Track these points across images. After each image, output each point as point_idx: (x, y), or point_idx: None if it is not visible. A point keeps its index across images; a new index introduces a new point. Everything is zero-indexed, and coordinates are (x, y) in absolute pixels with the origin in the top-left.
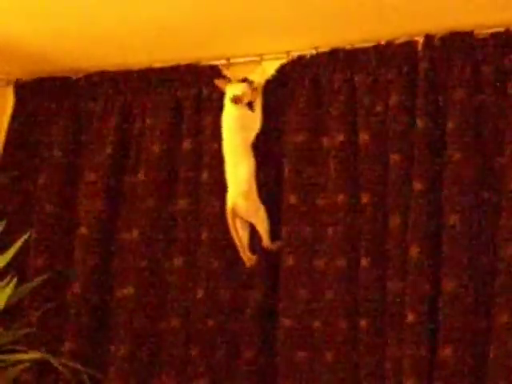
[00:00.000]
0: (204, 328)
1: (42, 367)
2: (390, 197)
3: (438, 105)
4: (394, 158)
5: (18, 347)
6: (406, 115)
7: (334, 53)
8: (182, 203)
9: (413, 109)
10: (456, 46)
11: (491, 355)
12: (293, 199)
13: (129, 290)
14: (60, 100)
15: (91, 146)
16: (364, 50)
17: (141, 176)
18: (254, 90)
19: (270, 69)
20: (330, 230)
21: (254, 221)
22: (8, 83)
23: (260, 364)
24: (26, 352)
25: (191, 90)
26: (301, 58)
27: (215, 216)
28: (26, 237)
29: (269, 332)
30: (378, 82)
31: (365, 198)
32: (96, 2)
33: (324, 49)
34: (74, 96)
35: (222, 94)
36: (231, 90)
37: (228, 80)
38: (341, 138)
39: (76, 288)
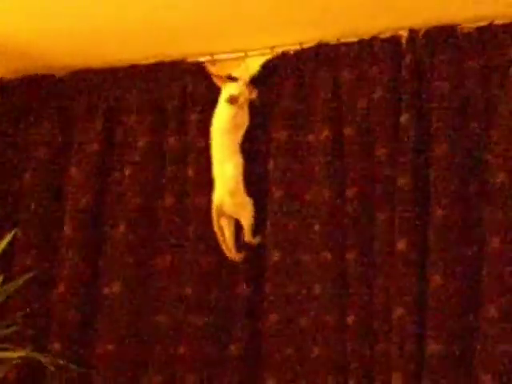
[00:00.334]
0: (191, 325)
1: (29, 366)
2: (376, 191)
3: (422, 99)
4: (380, 152)
5: (4, 345)
6: (390, 110)
7: (318, 48)
8: (169, 200)
9: (398, 103)
10: (440, 41)
11: (478, 348)
12: (278, 194)
13: (115, 288)
14: (45, 98)
15: (77, 144)
16: (348, 45)
17: (127, 173)
18: (250, 89)
19: (254, 65)
20: (316, 225)
21: (240, 217)
22: None
23: (247, 360)
24: (13, 350)
25: (176, 87)
26: (285, 53)
27: (201, 213)
28: (11, 235)
29: (256, 328)
30: (362, 77)
31: (350, 193)
32: (78, 2)
33: (308, 44)
34: (58, 94)
35: (207, 91)
36: (228, 90)
37: (224, 79)
38: (326, 133)
39: (62, 286)
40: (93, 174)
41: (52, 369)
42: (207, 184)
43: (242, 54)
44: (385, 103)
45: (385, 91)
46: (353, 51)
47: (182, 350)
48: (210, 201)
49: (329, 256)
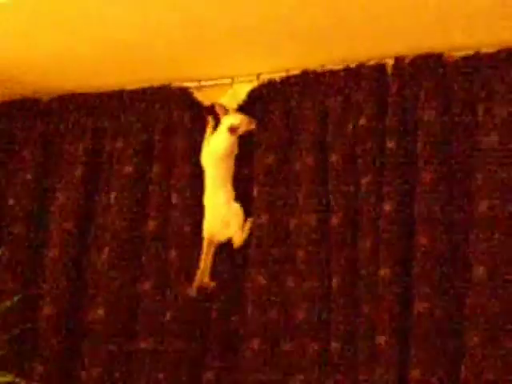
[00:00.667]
0: (172, 350)
1: None
2: (361, 218)
3: (407, 126)
4: (364, 178)
5: None
6: (376, 136)
7: (304, 75)
8: (152, 225)
9: (383, 130)
10: (425, 68)
11: (462, 376)
12: (263, 220)
13: (100, 312)
14: (31, 122)
15: (62, 168)
16: (334, 73)
17: (111, 198)
18: (250, 121)
19: (240, 91)
20: (300, 251)
21: (231, 235)
22: None
23: None
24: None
25: (162, 112)
26: (271, 81)
27: (184, 238)
28: None
29: (231, 359)
30: (348, 104)
31: (335, 220)
32: (66, 24)
33: (295, 71)
34: (44, 118)
35: (192, 117)
36: (229, 120)
37: (226, 110)
38: (311, 159)
39: (47, 310)
40: (77, 197)
41: None
42: (190, 210)
43: (229, 81)
44: (370, 130)
45: (370, 118)
46: (338, 78)
47: (161, 375)
48: (192, 227)
49: (313, 282)
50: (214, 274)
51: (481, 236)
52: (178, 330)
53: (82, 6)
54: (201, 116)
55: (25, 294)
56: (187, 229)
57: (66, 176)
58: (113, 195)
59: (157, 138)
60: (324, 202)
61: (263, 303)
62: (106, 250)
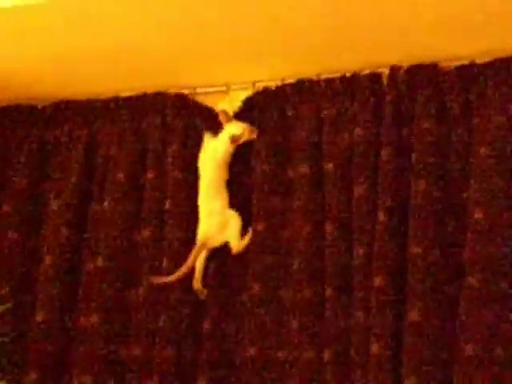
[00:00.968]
0: (164, 357)
1: None
2: (355, 227)
3: (402, 136)
4: (359, 188)
5: None
6: (371, 146)
7: (299, 84)
8: (146, 232)
9: (378, 140)
10: (421, 78)
11: None
12: (259, 228)
13: (93, 319)
14: (25, 128)
15: (56, 175)
16: (329, 81)
17: (106, 205)
18: (251, 130)
19: (237, 99)
20: (295, 261)
21: (228, 240)
22: None
23: None
24: None
25: (156, 119)
26: (266, 89)
27: (178, 245)
28: None
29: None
30: (343, 113)
31: (330, 228)
32: (61, 30)
33: (290, 79)
34: (39, 124)
35: (186, 124)
36: (231, 129)
37: (230, 117)
38: (306, 168)
39: (40, 316)
40: (72, 204)
41: None
42: (184, 217)
43: (224, 88)
44: (365, 139)
45: (366, 128)
46: (334, 87)
47: (154, 382)
48: (186, 234)
49: (308, 291)
50: (207, 280)
51: (475, 246)
52: (171, 338)
53: (76, 14)
54: (194, 122)
55: (18, 301)
56: (181, 236)
57: (60, 182)
58: (107, 202)
59: (151, 144)
60: (319, 210)
61: (258, 311)
62: (100, 256)
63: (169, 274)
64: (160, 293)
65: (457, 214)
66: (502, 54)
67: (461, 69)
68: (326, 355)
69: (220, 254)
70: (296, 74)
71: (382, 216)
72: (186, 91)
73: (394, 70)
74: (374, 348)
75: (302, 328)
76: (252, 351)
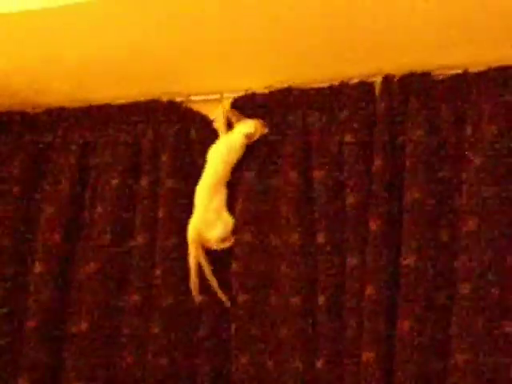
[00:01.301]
0: (158, 365)
1: None
2: (347, 236)
3: (395, 145)
4: (350, 197)
5: None
6: (361, 154)
7: (288, 91)
8: (139, 239)
9: (369, 148)
10: (414, 87)
11: None
12: (247, 237)
13: (83, 326)
14: (19, 134)
15: (49, 181)
16: (318, 90)
17: (98, 211)
18: (262, 125)
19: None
20: (284, 269)
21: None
22: None
23: None
24: None
25: (149, 127)
26: (255, 95)
27: (170, 253)
28: None
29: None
30: (333, 121)
31: (321, 238)
32: (55, 37)
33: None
34: (32, 131)
35: (179, 131)
36: (244, 127)
37: (239, 116)
38: (295, 176)
39: (31, 323)
40: (64, 211)
41: None
42: (177, 225)
43: (218, 96)
44: (355, 148)
45: (355, 136)
46: (323, 96)
47: None
48: (179, 241)
49: (298, 300)
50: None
51: (467, 255)
52: (164, 345)
53: (69, 20)
54: (187, 130)
55: (9, 306)
56: (173, 243)
57: (53, 189)
58: (99, 209)
59: (144, 152)
60: (308, 219)
61: (248, 320)
62: (92, 263)
63: (162, 281)
64: (152, 300)
65: (449, 223)
66: (495, 64)
67: (454, 78)
68: (318, 364)
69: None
70: (288, 82)
71: (373, 225)
72: (179, 99)
73: (387, 78)
74: (366, 357)
75: (293, 336)
76: (244, 359)
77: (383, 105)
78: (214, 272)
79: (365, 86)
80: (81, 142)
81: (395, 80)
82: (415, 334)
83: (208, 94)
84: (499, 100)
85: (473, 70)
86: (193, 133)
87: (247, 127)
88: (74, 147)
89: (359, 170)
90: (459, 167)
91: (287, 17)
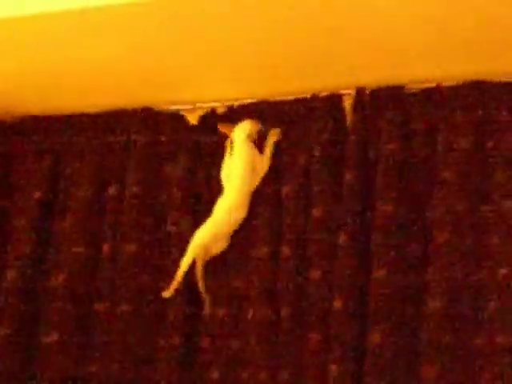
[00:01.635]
0: (124, 374)
1: None
2: (312, 249)
3: (367, 158)
4: (317, 210)
5: None
6: (330, 168)
7: (255, 105)
8: (106, 248)
9: (339, 162)
10: (386, 100)
11: None
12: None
13: (54, 337)
14: None
15: (20, 190)
16: (288, 103)
17: (68, 220)
18: (255, 123)
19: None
20: (254, 279)
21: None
22: None
23: None
24: None
25: (120, 135)
26: (224, 108)
27: (133, 261)
28: None
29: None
30: (301, 135)
31: (286, 251)
32: (27, 46)
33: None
34: (4, 139)
35: (149, 139)
36: (241, 132)
37: (231, 126)
38: (263, 190)
39: (1, 332)
40: (35, 220)
41: None
42: (139, 232)
43: (190, 107)
44: (325, 161)
45: (325, 149)
46: (292, 109)
47: None
48: (140, 249)
49: (264, 310)
50: None
51: (437, 268)
52: (136, 356)
53: (50, 29)
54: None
55: None
56: (135, 251)
57: (24, 198)
58: (69, 218)
59: (113, 161)
60: (276, 231)
61: (220, 333)
62: (61, 273)
63: (128, 289)
64: (119, 307)
65: (420, 236)
66: (468, 78)
67: (426, 92)
68: (283, 376)
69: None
70: (259, 95)
71: (342, 237)
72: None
73: (359, 91)
74: (333, 369)
75: (260, 348)
76: (215, 374)
77: (355, 117)
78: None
79: (335, 99)
80: (52, 151)
81: (367, 93)
82: (385, 346)
83: (180, 104)
84: (471, 114)
85: (446, 83)
86: (162, 140)
87: (243, 130)
88: (45, 156)
89: (327, 183)
90: (431, 181)
91: (257, 30)
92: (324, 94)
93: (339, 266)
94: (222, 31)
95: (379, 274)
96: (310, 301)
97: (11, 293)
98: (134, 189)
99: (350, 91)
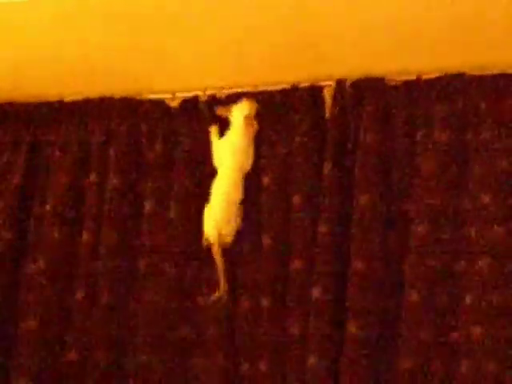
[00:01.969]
0: (100, 360)
1: None
2: (292, 239)
3: (346, 149)
4: (296, 198)
5: None
6: (310, 159)
7: (234, 95)
8: (86, 236)
9: (318, 152)
10: (367, 92)
11: None
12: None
13: (32, 323)
14: None
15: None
16: (268, 94)
17: (48, 207)
18: (251, 103)
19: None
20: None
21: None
22: None
23: None
24: None
25: (100, 123)
26: (204, 97)
27: (113, 249)
28: None
29: None
30: (282, 126)
31: (266, 240)
32: (7, 30)
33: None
34: None
35: (129, 128)
36: (239, 113)
37: (228, 108)
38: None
39: None
40: (14, 207)
41: None
42: (120, 221)
43: (170, 95)
44: (304, 152)
45: (305, 140)
46: (273, 99)
47: None
48: (121, 237)
49: (246, 302)
50: None
51: (416, 261)
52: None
53: (21, 16)
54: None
55: None
56: (115, 239)
57: (3, 184)
58: (49, 205)
59: (93, 149)
60: (255, 221)
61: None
62: (41, 259)
63: (107, 277)
64: (97, 297)
65: (399, 229)
66: (448, 71)
67: (407, 84)
68: (261, 367)
69: None
70: (240, 85)
71: (323, 228)
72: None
73: (339, 83)
74: (312, 360)
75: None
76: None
77: (335, 109)
78: None
79: (315, 91)
80: (32, 138)
81: (348, 84)
82: (362, 338)
83: (160, 93)
84: (451, 107)
85: (426, 76)
86: (143, 129)
87: (240, 111)
88: (24, 143)
89: (307, 174)
90: (410, 172)
91: (238, 20)
92: (304, 85)
93: (319, 255)
94: (202, 21)
95: (358, 265)
96: (290, 290)
97: None
98: (114, 178)
99: (330, 82)
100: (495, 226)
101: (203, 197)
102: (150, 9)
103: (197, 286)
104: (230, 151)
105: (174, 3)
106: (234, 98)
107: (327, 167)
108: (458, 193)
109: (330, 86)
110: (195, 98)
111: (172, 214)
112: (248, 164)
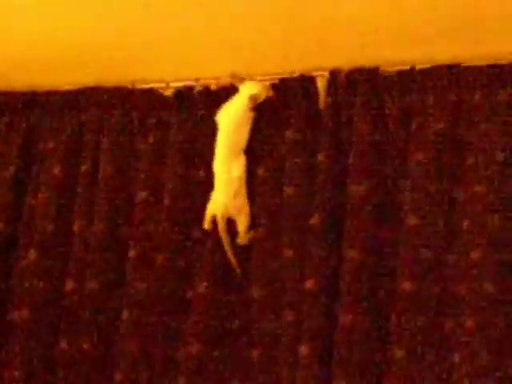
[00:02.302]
0: (90, 349)
1: None
2: (285, 230)
3: (340, 139)
4: (290, 189)
5: None
6: (304, 150)
7: (230, 86)
8: (78, 225)
9: (312, 144)
10: (361, 82)
11: None
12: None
13: (24, 313)
14: None
15: None
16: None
17: (41, 197)
18: (267, 88)
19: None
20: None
21: (237, 219)
22: None
23: None
24: None
25: (93, 113)
26: (191, 89)
27: (105, 238)
28: None
29: None
30: (275, 116)
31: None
32: (1, 19)
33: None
34: None
35: (122, 118)
36: (249, 89)
37: (242, 79)
38: None
39: None
40: (7, 197)
41: None
42: (112, 210)
43: (164, 85)
44: (298, 143)
45: (298, 131)
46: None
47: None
48: (112, 227)
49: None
50: None
51: (408, 251)
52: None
53: (17, 3)
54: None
55: None
56: (108, 229)
57: None
58: (42, 195)
59: (86, 139)
60: (251, 213)
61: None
62: (33, 249)
63: (97, 266)
64: (87, 286)
65: (392, 219)
66: (442, 61)
67: (401, 74)
68: (254, 355)
69: None
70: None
71: (316, 218)
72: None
73: (333, 73)
74: (304, 350)
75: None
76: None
77: (329, 99)
78: None
79: (309, 81)
80: (26, 127)
81: (342, 75)
82: (355, 327)
83: (154, 82)
84: (445, 97)
85: (420, 66)
86: (135, 118)
87: (251, 89)
88: (19, 133)
89: (300, 164)
90: (404, 163)
91: (233, 9)
92: (298, 75)
93: (312, 246)
94: (195, 11)
95: (351, 254)
96: (283, 281)
97: None
98: (107, 166)
99: (323, 73)
100: (489, 217)
101: (196, 186)
102: None
103: (188, 277)
104: (227, 125)
105: None
106: (228, 89)
107: (320, 157)
108: (452, 183)
109: (324, 76)
110: (189, 88)
111: (165, 203)
112: (243, 141)
